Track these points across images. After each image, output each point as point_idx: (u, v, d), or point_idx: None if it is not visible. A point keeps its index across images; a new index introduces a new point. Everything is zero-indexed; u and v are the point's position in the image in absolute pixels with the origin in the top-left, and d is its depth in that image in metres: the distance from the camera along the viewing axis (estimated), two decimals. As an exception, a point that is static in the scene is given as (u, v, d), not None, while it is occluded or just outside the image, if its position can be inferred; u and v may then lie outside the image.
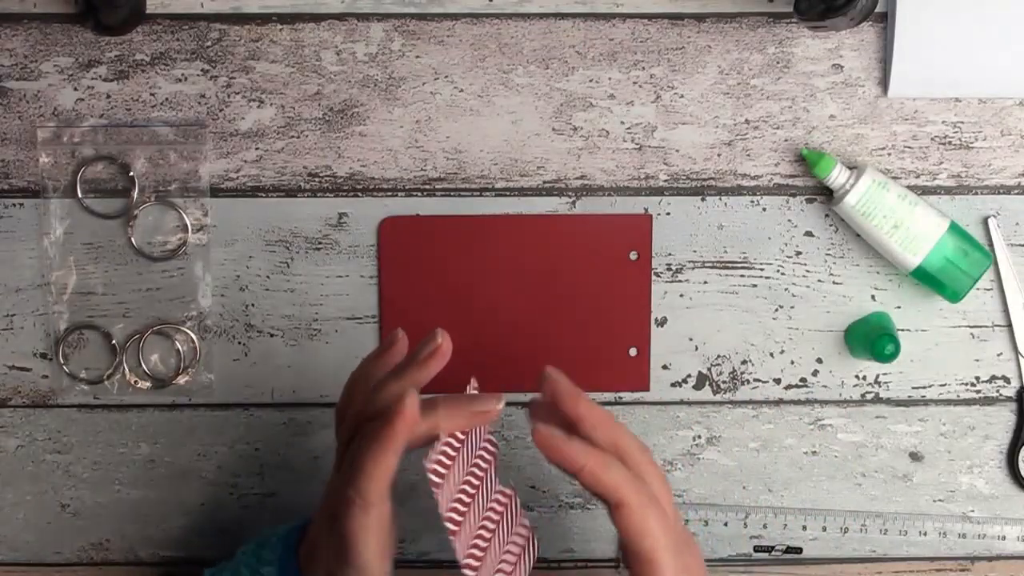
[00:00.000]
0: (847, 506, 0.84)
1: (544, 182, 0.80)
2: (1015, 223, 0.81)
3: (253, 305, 0.82)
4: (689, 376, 0.83)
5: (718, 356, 0.82)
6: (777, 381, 0.83)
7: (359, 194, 0.80)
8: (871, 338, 0.78)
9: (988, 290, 0.81)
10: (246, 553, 0.72)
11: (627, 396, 0.83)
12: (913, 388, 0.82)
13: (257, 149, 0.80)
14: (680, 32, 0.79)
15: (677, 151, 0.80)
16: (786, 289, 0.81)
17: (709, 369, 0.83)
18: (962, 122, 0.80)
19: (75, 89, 0.79)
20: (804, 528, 0.84)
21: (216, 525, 0.84)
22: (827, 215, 0.81)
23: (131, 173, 0.79)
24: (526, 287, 0.81)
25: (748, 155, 0.80)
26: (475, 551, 0.62)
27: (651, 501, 0.61)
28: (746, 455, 0.84)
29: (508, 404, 0.75)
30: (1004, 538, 0.83)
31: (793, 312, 0.82)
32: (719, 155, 0.80)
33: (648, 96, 0.80)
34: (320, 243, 0.81)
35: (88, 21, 0.76)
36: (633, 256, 0.81)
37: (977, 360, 0.82)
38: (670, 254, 0.82)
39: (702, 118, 0.80)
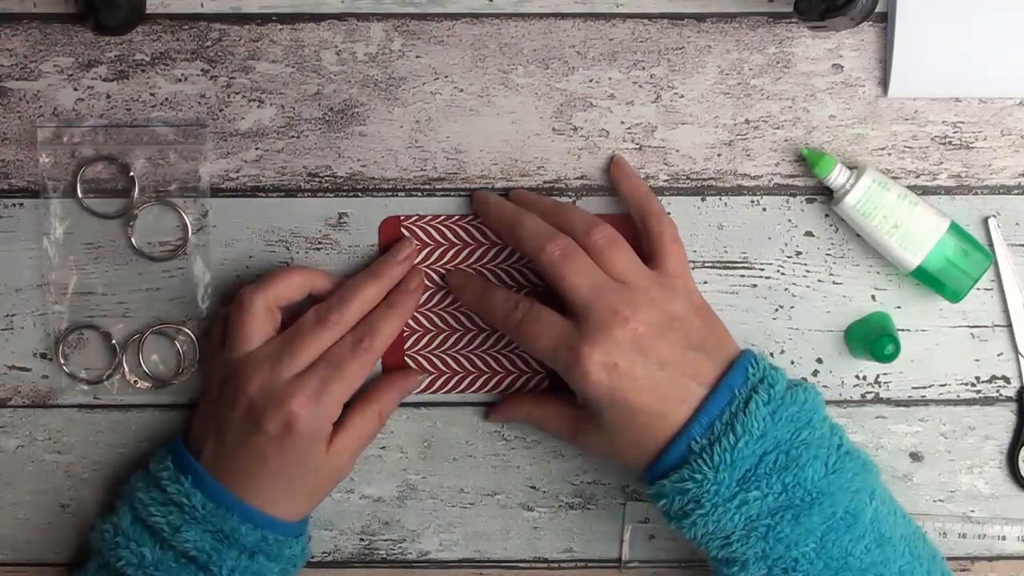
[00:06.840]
0: (847, 506, 0.84)
1: (544, 182, 0.80)
2: (1015, 223, 0.81)
3: (253, 305, 0.82)
4: (689, 376, 0.83)
5: (718, 356, 0.82)
6: (777, 381, 0.83)
7: (359, 194, 0.80)
8: (871, 338, 0.78)
9: (988, 290, 0.81)
10: (132, 484, 0.76)
11: (627, 396, 0.83)
12: (913, 388, 0.82)
13: (257, 149, 0.80)
14: (680, 32, 0.79)
15: (677, 151, 0.80)
16: (786, 289, 0.81)
17: (709, 369, 0.83)
18: (962, 122, 0.80)
19: (75, 89, 0.79)
20: (804, 528, 0.84)
21: (216, 525, 0.84)
22: (827, 215, 0.81)
23: (131, 173, 0.79)
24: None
25: (748, 155, 0.80)
26: None
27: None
28: (746, 455, 0.83)
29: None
30: (1004, 538, 0.83)
31: (793, 312, 0.81)
32: (719, 155, 0.80)
33: (648, 96, 0.80)
34: (320, 243, 0.81)
35: (88, 21, 0.76)
36: (633, 256, 0.81)
37: (977, 360, 0.82)
38: (670, 254, 0.81)
39: (702, 118, 0.80)
